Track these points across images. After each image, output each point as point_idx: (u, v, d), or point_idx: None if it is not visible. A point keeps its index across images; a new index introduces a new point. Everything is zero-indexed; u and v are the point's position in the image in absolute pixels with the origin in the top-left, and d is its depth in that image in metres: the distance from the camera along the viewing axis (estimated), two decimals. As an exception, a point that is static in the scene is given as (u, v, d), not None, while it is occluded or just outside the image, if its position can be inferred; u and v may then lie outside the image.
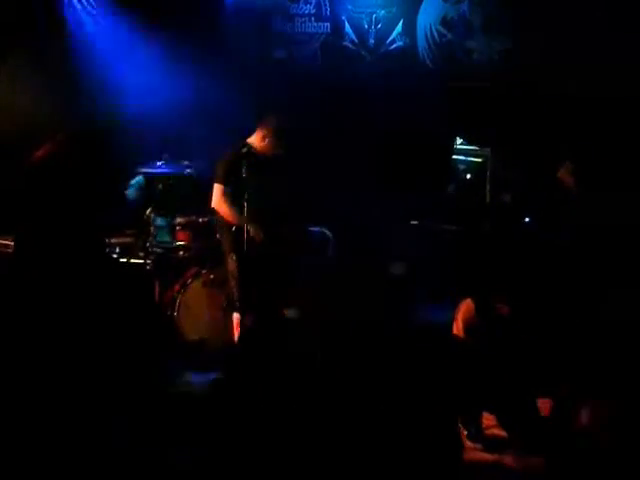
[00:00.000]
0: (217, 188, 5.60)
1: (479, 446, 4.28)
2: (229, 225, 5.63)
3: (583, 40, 6.32)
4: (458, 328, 4.57)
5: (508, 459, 3.96)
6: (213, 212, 5.77)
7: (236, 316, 5.70)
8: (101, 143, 4.42)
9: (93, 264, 4.13)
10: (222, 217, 5.67)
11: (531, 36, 6.66)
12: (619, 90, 6.10)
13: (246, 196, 5.45)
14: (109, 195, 4.37)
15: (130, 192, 5.85)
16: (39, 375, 4.00)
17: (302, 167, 5.95)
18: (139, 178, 6.00)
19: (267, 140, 5.63)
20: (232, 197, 5.56)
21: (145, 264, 5.84)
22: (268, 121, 5.68)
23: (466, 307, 4.61)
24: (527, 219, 6.16)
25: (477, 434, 4.35)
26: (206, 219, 6.08)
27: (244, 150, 5.56)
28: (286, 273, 5.79)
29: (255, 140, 5.66)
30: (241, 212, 5.52)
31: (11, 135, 6.35)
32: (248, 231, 5.50)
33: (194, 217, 6.17)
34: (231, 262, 5.63)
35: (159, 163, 6.24)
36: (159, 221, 6.11)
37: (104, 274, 4.25)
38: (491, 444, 4.25)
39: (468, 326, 4.53)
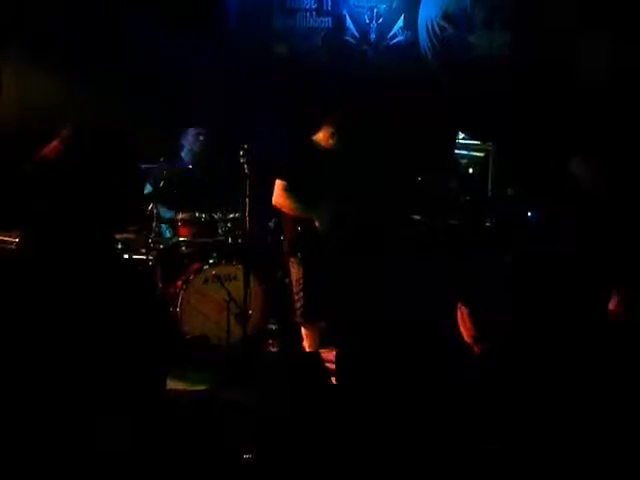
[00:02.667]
0: (278, 184, 5.45)
1: None
2: (293, 221, 5.51)
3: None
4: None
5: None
6: (274, 207, 5.59)
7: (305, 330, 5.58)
8: (109, 137, 4.35)
9: (103, 262, 4.07)
10: (285, 213, 5.55)
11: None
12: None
13: (312, 190, 5.41)
14: (124, 191, 4.30)
15: None
16: (39, 370, 3.97)
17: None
18: None
19: (333, 138, 5.53)
20: (294, 193, 5.43)
21: (147, 260, 5.84)
22: (334, 119, 5.57)
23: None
24: (530, 213, 6.16)
25: None
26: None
27: (308, 146, 5.54)
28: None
29: (321, 137, 5.56)
30: (303, 203, 5.43)
31: (15, 130, 6.32)
32: (314, 226, 5.41)
33: (196, 213, 6.16)
34: (294, 267, 5.55)
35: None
36: (161, 217, 6.11)
37: (111, 271, 4.20)
38: None
39: None
